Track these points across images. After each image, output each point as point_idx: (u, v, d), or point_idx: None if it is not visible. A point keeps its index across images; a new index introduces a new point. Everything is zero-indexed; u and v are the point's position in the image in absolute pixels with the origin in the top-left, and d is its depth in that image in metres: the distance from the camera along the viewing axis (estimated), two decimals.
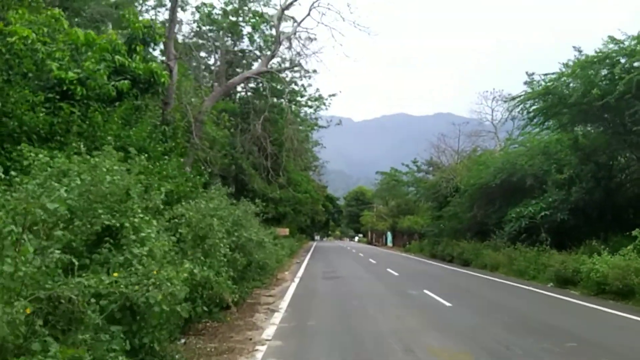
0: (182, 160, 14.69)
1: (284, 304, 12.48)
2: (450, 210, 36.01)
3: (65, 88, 10.69)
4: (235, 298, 9.56)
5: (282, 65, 32.43)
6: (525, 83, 28.74)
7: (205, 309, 8.55)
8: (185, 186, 12.05)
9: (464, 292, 16.22)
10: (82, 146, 7.67)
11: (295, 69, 23.55)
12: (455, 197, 37.08)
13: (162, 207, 8.14)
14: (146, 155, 11.40)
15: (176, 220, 9.40)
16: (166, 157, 12.51)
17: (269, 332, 8.99)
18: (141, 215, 6.47)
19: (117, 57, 11.43)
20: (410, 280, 19.34)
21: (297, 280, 18.62)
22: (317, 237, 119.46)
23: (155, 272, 5.31)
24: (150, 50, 15.63)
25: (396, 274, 21.77)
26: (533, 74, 27.48)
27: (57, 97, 10.64)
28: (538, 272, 21.11)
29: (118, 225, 6.21)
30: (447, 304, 12.71)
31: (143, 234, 6.27)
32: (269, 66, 18.54)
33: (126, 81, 11.35)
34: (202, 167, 14.87)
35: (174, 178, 11.72)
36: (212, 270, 9.06)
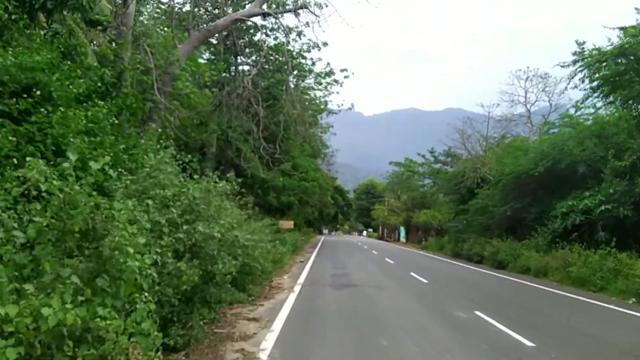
0: (132, 118, 10.02)
1: (270, 338, 7.79)
2: (477, 203, 31.12)
3: None
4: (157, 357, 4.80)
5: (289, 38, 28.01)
6: (575, 53, 24.10)
7: None
8: (114, 147, 7.38)
9: (532, 314, 11.38)
10: None
11: (301, 20, 18.54)
12: (483, 188, 32.20)
13: None
14: (38, 94, 6.74)
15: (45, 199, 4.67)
16: (95, 107, 7.86)
17: None
18: None
19: None
20: (448, 292, 14.59)
21: (297, 289, 13.89)
22: (325, 231, 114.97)
23: None
24: None
25: (425, 280, 16.94)
26: (584, 42, 22.78)
27: None
28: (607, 282, 16.28)
29: None
30: (527, 342, 7.95)
31: None
32: (264, 8, 13.81)
33: None
34: (163, 131, 10.14)
35: (92, 136, 7.06)
36: (113, 301, 4.39)
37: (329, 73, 31.03)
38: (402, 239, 62.23)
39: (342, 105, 46.75)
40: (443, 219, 46.82)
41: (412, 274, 19.04)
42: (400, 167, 57.25)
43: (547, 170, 23.61)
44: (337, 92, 41.32)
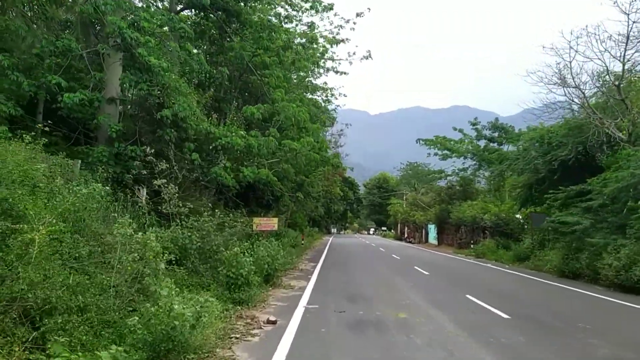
0: None
1: None
2: (622, 178, 15.80)
3: None
4: None
5: None
6: None
7: None
8: None
9: None
10: None
11: None
12: (622, 152, 16.93)
13: None
14: None
15: None
16: None
17: None
18: None
19: None
20: None
21: None
22: (333, 230, 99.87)
23: None
24: None
25: None
26: None
27: None
28: None
29: None
30: None
31: None
32: None
33: None
34: None
35: None
36: None
37: None
38: (433, 241, 46.68)
39: (353, 55, 32.04)
40: (503, 212, 31.42)
41: None
42: (430, 147, 41.82)
43: None
44: (347, 40, 25.70)
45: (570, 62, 19.33)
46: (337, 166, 27.85)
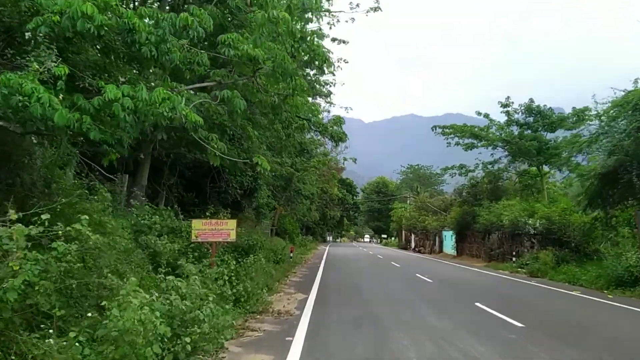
0: None
1: None
2: None
3: None
4: None
5: None
6: None
7: None
8: None
9: None
10: None
11: None
12: None
13: None
14: None
15: None
16: None
17: None
18: None
19: None
20: None
21: None
22: (329, 238, 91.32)
23: None
24: None
25: None
26: None
27: None
28: None
29: None
30: None
31: None
32: None
33: None
34: None
35: None
36: None
37: None
38: (450, 251, 38.27)
39: (357, 7, 24.08)
40: (556, 213, 23.17)
41: None
42: (447, 137, 33.56)
43: None
44: None
45: None
46: (340, 124, 19.09)
